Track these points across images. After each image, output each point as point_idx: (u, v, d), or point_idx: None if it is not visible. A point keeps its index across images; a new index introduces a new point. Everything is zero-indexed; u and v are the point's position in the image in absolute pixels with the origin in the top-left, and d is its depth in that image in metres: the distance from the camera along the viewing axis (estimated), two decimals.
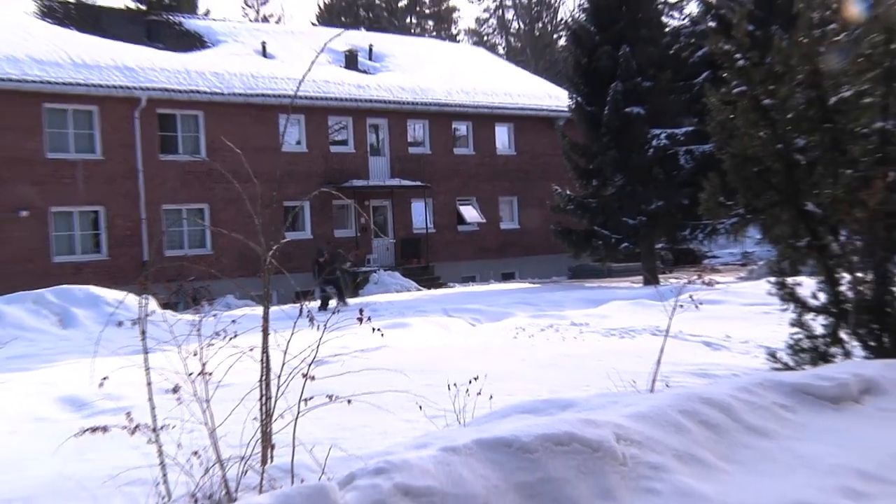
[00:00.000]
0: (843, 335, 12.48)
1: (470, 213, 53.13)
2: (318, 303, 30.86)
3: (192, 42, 49.61)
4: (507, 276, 50.15)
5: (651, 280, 41.88)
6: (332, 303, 29.52)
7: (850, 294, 12.50)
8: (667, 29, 45.87)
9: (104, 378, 6.88)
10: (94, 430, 6.19)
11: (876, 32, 12.99)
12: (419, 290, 42.41)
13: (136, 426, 6.03)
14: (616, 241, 43.17)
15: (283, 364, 6.53)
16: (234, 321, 7.21)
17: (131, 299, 7.35)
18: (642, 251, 43.44)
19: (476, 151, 54.41)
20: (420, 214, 51.81)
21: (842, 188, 12.29)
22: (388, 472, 5.87)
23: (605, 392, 9.66)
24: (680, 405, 8.12)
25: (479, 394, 8.63)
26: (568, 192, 44.42)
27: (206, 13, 76.15)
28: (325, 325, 6.78)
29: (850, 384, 9.65)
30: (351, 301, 30.08)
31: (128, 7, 66.00)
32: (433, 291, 40.72)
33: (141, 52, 45.13)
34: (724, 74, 13.79)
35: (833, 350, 12.39)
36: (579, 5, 48.92)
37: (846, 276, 12.54)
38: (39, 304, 24.59)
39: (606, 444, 6.86)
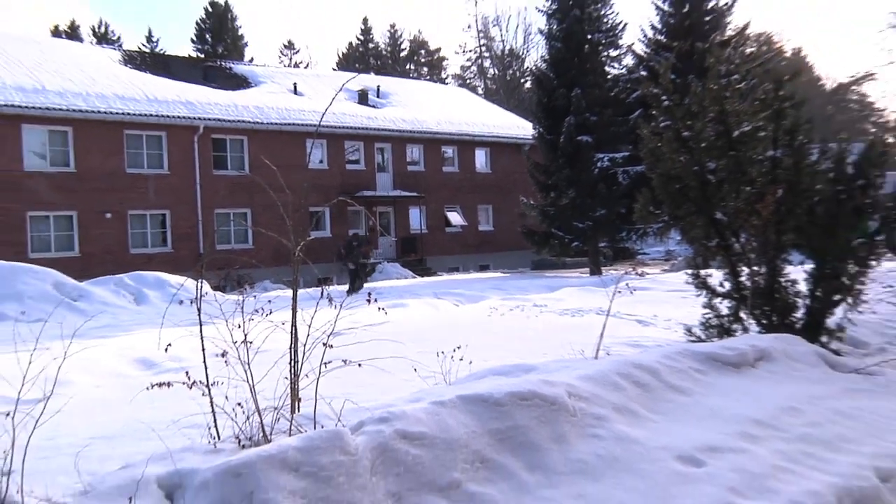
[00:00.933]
0: (742, 315, 12.59)
1: (455, 217, 53.40)
2: (334, 287, 30.85)
3: (238, 82, 49.67)
4: (484, 267, 50.23)
5: (596, 271, 42.14)
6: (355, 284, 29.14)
7: (748, 283, 12.60)
8: (609, 76, 45.88)
9: (168, 344, 6.92)
10: (160, 385, 6.21)
11: (768, 82, 13.11)
12: (415, 277, 42.55)
13: (193, 382, 6.05)
14: (569, 240, 43.47)
15: (308, 335, 6.56)
16: (269, 301, 7.25)
17: (189, 283, 7.44)
18: (589, 249, 43.68)
19: (460, 170, 54.57)
20: (416, 219, 52.03)
21: (742, 201, 12.45)
22: (390, 421, 5.91)
23: (560, 359, 9.70)
24: (618, 369, 8.19)
25: (461, 359, 8.66)
26: (532, 202, 44.66)
27: (251, 60, 76.20)
28: (340, 305, 6.82)
29: (748, 353, 9.76)
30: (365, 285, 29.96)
31: (189, 55, 66.32)
32: (426, 279, 40.70)
33: (199, 91, 45.30)
34: (653, 112, 13.91)
35: (735, 326, 12.49)
36: (541, 57, 48.98)
37: (745, 270, 12.63)
38: (119, 286, 24.59)
39: (560, 399, 6.91)
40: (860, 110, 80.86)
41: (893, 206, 13.31)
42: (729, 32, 47.05)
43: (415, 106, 55.32)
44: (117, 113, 40.17)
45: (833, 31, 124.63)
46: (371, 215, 48.47)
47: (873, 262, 12.76)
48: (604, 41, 46.25)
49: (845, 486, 6.93)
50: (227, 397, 6.11)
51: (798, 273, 12.67)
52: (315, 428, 5.85)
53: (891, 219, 13.29)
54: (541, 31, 50.61)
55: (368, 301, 7.25)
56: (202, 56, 70.59)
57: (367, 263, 28.04)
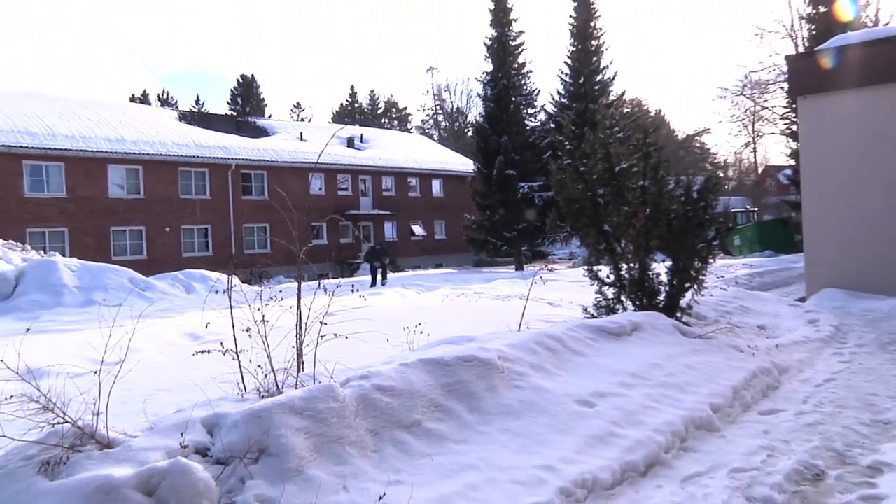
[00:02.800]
0: (623, 298, 12.60)
1: (417, 229, 53.40)
2: (328, 281, 30.57)
3: (260, 132, 49.37)
4: (438, 266, 50.00)
5: (519, 268, 42.29)
6: (378, 278, 29.10)
7: (626, 276, 12.62)
8: (528, 127, 46.02)
9: (208, 322, 6.86)
10: (203, 352, 6.14)
11: (638, 133, 13.20)
12: (390, 273, 42.38)
13: (226, 350, 6.00)
14: (500, 245, 43.61)
15: (309, 315, 6.53)
16: (280, 291, 7.23)
17: (225, 278, 7.36)
18: (514, 251, 43.76)
19: (421, 195, 54.56)
20: (389, 230, 51.88)
21: (622, 217, 12.47)
22: (369, 378, 5.90)
23: (494, 331, 9.68)
24: (534, 338, 8.19)
25: (421, 333, 8.63)
26: (473, 218, 44.83)
27: (269, 116, 75.74)
28: (332, 293, 6.80)
29: (626, 325, 9.79)
30: (347, 280, 29.78)
31: (226, 113, 65.71)
32: (398, 274, 40.53)
33: (232, 139, 44.99)
34: (559, 153, 13.96)
35: (617, 307, 12.50)
36: (479, 113, 49.25)
37: (624, 266, 12.66)
38: (175, 280, 24.45)
39: (493, 361, 6.92)
40: (701, 154, 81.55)
41: (724, 221, 13.50)
42: (612, 97, 47.37)
43: (388, 149, 55.30)
44: (174, 155, 40.20)
45: (683, 97, 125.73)
46: (356, 228, 49.23)
47: (711, 260, 12.92)
48: (524, 102, 46.37)
49: (690, 417, 7.03)
50: (250, 361, 6.08)
51: (661, 268, 12.75)
52: (314, 383, 5.82)
53: (723, 229, 13.47)
54: (479, 95, 50.80)
55: (352, 291, 7.26)
56: (234, 113, 70.08)
57: (386, 264, 27.93)
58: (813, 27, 43.05)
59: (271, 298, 6.57)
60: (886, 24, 43.69)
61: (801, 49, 42.70)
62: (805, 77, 19.00)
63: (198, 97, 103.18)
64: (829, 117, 18.05)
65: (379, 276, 29.48)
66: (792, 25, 46.30)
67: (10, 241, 23.76)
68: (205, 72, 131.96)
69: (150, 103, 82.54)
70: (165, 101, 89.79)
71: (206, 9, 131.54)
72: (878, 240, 17.31)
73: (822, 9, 42.18)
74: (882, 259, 17.12)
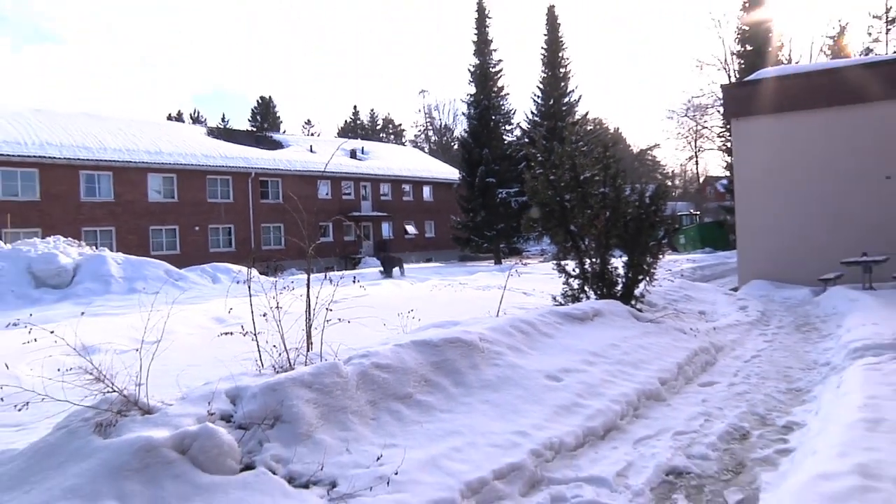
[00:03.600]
0: (586, 288, 12.59)
1: (410, 229, 53.15)
2: (333, 273, 30.54)
3: (275, 145, 49.09)
4: (428, 260, 49.79)
5: (498, 262, 42.18)
6: (395, 271, 28.68)
7: (589, 269, 12.61)
8: (505, 142, 45.92)
9: (231, 308, 6.86)
10: (227, 333, 6.12)
11: (600, 146, 13.18)
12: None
13: (247, 332, 5.98)
14: (481, 243, 43.51)
15: (317, 302, 6.50)
16: (292, 282, 7.19)
17: (245, 270, 7.33)
18: (494, 248, 43.68)
19: (413, 199, 54.34)
20: (386, 230, 51.63)
21: (586, 219, 12.45)
22: (368, 356, 5.88)
23: (476, 317, 9.68)
24: (510, 323, 8.18)
25: (413, 318, 8.63)
26: (458, 220, 44.73)
27: (284, 131, 75.13)
28: (337, 283, 6.79)
29: (589, 311, 9.78)
30: (348, 272, 29.56)
31: (247, 129, 65.36)
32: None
33: (252, 151, 44.69)
34: (532, 164, 13.91)
35: (581, 296, 12.49)
36: (464, 129, 48.91)
37: (588, 261, 12.66)
38: (203, 272, 24.27)
39: (475, 342, 6.91)
40: (652, 166, 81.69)
41: (671, 223, 13.52)
42: (577, 116, 47.37)
43: (386, 159, 55.00)
44: (203, 165, 39.99)
45: (637, 117, 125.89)
46: (358, 228, 48.87)
47: (661, 256, 12.95)
48: (502, 120, 46.26)
49: (642, 389, 7.04)
50: (266, 341, 6.06)
51: (618, 263, 12.76)
52: (321, 361, 5.81)
53: (670, 229, 13.48)
54: (464, 114, 50.55)
55: (354, 281, 7.24)
56: (254, 129, 69.70)
57: (400, 269, 27.92)
58: (742, 61, 43.92)
59: (284, 288, 6.55)
60: (797, 62, 44.86)
61: (732, 79, 43.14)
62: (736, 102, 19.17)
63: (223, 115, 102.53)
64: (756, 136, 18.21)
65: (396, 271, 29.27)
66: (725, 59, 46.85)
67: (69, 239, 23.68)
68: (230, 93, 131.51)
69: (183, 121, 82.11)
70: (196, 119, 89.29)
71: (231, 38, 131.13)
72: (795, 239, 17.51)
73: (748, 47, 43.18)
74: (798, 255, 17.34)
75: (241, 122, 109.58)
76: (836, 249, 16.33)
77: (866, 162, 16.89)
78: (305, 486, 4.29)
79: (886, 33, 53.12)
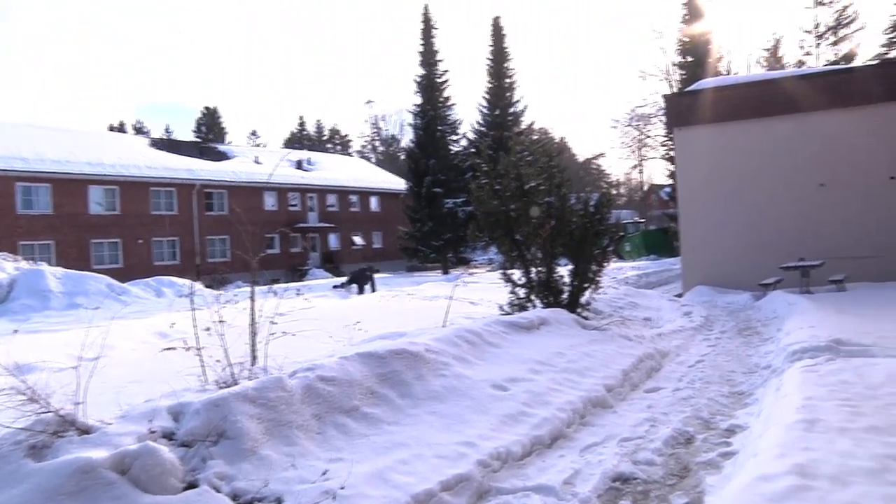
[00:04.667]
0: (532, 297, 12.62)
1: (357, 239, 52.99)
2: (280, 285, 30.08)
3: (220, 156, 48.48)
4: (377, 271, 49.53)
5: (445, 272, 42.17)
6: (358, 288, 26.45)
7: (535, 278, 12.66)
8: (452, 152, 46.03)
9: (173, 323, 6.71)
10: (169, 349, 6.01)
11: (545, 156, 13.30)
12: (334, 278, 41.88)
13: (189, 347, 5.88)
14: (429, 253, 43.44)
15: (261, 315, 6.42)
16: (235, 294, 7.10)
17: (190, 283, 7.20)
18: (441, 258, 43.66)
19: (361, 210, 54.19)
20: (333, 241, 51.37)
21: (531, 228, 12.52)
22: (313, 370, 5.81)
23: (422, 327, 9.66)
24: (456, 333, 8.17)
25: (360, 329, 8.59)
26: (405, 230, 44.56)
27: (229, 142, 74.14)
28: (281, 296, 6.71)
29: (535, 320, 9.83)
30: (294, 284, 28.55)
31: (191, 140, 64.36)
32: (341, 278, 40.09)
33: (197, 162, 44.13)
34: (478, 174, 13.93)
35: (528, 304, 12.51)
36: (410, 140, 49.01)
37: (534, 270, 12.71)
38: (147, 286, 23.84)
39: (421, 353, 6.88)
40: (597, 174, 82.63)
41: (616, 231, 13.66)
42: (522, 126, 47.84)
43: (332, 170, 54.76)
44: (146, 177, 39.41)
45: (581, 126, 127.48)
46: (305, 239, 48.52)
47: (606, 264, 13.09)
48: (448, 131, 46.37)
49: (588, 396, 7.09)
50: (211, 356, 5.96)
51: (564, 271, 12.86)
52: (266, 375, 5.73)
53: (615, 237, 13.62)
54: (410, 124, 50.46)
55: (297, 294, 7.17)
56: (199, 140, 68.70)
57: (371, 277, 26.61)
58: (683, 72, 44.90)
59: (228, 301, 6.46)
60: (736, 73, 46.25)
61: (674, 89, 44.02)
62: (678, 112, 19.56)
63: (167, 126, 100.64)
64: (698, 145, 18.61)
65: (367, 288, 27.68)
66: (667, 70, 47.78)
67: (4, 253, 23.09)
68: (174, 103, 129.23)
69: (126, 132, 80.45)
70: (140, 130, 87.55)
71: (175, 49, 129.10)
72: (737, 245, 17.92)
73: (689, 58, 44.23)
74: (740, 261, 17.75)
75: (186, 133, 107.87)
76: (775, 255, 16.74)
77: (802, 170, 17.40)
78: (250, 503, 4.23)
79: (817, 47, 54.99)
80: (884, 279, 15.73)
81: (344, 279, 27.28)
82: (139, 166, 39.80)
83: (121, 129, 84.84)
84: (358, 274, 26.94)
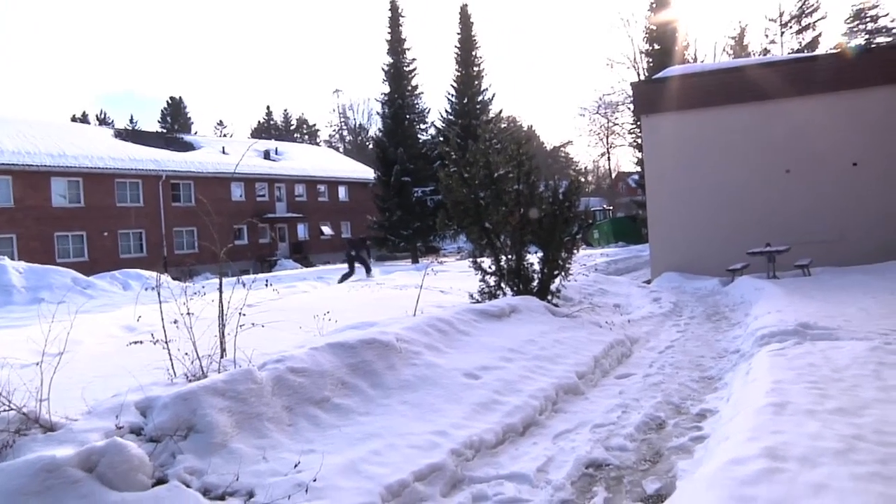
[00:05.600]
0: (502, 285, 12.64)
1: (326, 230, 52.64)
2: (250, 276, 29.67)
3: (187, 147, 47.95)
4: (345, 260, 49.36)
5: (415, 261, 42.09)
6: (362, 275, 24.04)
7: (505, 266, 12.68)
8: (420, 140, 45.96)
9: (139, 316, 6.60)
10: (136, 342, 5.92)
11: (513, 144, 13.27)
12: (302, 268, 41.72)
13: (157, 340, 5.79)
14: (398, 242, 43.35)
15: (229, 307, 6.34)
16: (202, 286, 6.99)
17: (157, 276, 7.08)
18: (411, 247, 43.59)
19: (329, 199, 53.84)
20: (302, 231, 51.07)
21: (501, 216, 12.50)
22: (283, 361, 5.75)
23: (393, 317, 9.60)
24: (427, 322, 8.14)
25: (330, 320, 8.51)
26: (374, 219, 44.43)
27: (195, 133, 73.28)
28: (250, 286, 6.63)
29: (505, 308, 9.83)
30: (265, 275, 26.74)
31: (157, 130, 63.47)
32: (309, 269, 39.88)
33: (163, 153, 43.61)
34: (447, 162, 13.88)
35: (498, 292, 12.52)
36: (378, 129, 48.89)
37: (504, 258, 12.72)
38: (113, 279, 23.49)
39: (392, 342, 6.84)
40: (565, 162, 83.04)
41: (585, 218, 13.73)
42: (491, 115, 47.83)
43: (300, 160, 54.38)
44: (111, 169, 38.83)
45: (550, 115, 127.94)
46: (273, 230, 48.24)
47: (575, 251, 13.15)
48: (417, 119, 46.29)
49: (559, 383, 7.11)
50: (179, 349, 5.86)
51: (534, 259, 12.88)
52: (235, 368, 5.65)
53: (584, 225, 13.69)
54: (378, 113, 50.40)
55: (266, 284, 7.08)
56: (165, 131, 67.77)
57: (364, 256, 24.62)
58: (650, 60, 45.20)
59: (195, 293, 6.36)
60: (702, 61, 46.77)
61: (641, 77, 44.33)
62: (645, 100, 19.65)
63: (132, 117, 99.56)
64: (665, 133, 18.72)
65: (356, 269, 25.17)
66: (634, 58, 48.14)
67: None
68: (138, 94, 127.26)
69: (88, 122, 79.27)
70: (103, 121, 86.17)
71: (140, 37, 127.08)
72: (704, 231, 18.10)
73: (656, 46, 44.52)
74: (707, 247, 17.93)
75: (151, 124, 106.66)
76: (742, 241, 16.94)
77: (768, 156, 17.59)
78: (221, 497, 4.16)
79: (781, 35, 55.87)
80: (847, 263, 15.98)
81: (344, 270, 24.96)
82: (103, 157, 39.20)
83: (83, 119, 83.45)
84: (357, 244, 25.45)
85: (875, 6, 55.76)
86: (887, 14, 55.31)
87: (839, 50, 23.29)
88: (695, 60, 46.95)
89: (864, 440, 4.25)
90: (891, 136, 16.53)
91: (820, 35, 55.26)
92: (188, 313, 5.96)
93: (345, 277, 23.43)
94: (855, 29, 56.10)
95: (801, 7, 55.27)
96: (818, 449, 4.09)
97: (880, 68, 16.94)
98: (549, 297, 12.50)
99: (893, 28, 54.71)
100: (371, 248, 25.37)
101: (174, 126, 78.66)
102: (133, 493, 3.93)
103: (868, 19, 55.90)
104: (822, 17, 57.81)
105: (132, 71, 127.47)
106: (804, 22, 55.34)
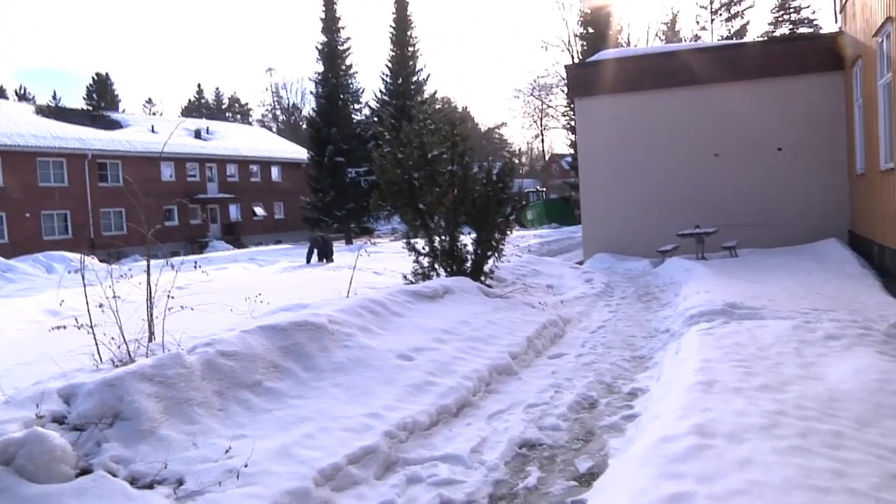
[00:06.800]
0: (436, 266, 12.66)
1: (259, 210, 51.83)
2: (181, 258, 29.07)
3: (114, 125, 46.49)
4: (278, 242, 48.44)
5: (349, 242, 41.91)
6: (323, 260, 24.58)
7: (439, 247, 12.68)
8: (354, 121, 45.71)
9: (62, 300, 6.39)
10: (59, 327, 5.73)
11: (448, 125, 13.24)
12: (234, 250, 41.04)
13: (82, 325, 5.62)
14: (332, 223, 42.98)
15: (158, 290, 6.18)
16: (129, 269, 6.81)
17: (82, 258, 6.85)
18: (345, 228, 43.35)
19: (262, 180, 52.90)
20: (234, 212, 50.11)
21: (435, 197, 12.47)
22: (213, 344, 5.63)
23: (326, 298, 9.50)
24: (360, 303, 8.08)
25: (262, 302, 8.37)
26: (308, 200, 44.03)
27: (123, 110, 71.18)
28: (178, 268, 6.46)
29: (439, 289, 9.82)
30: (195, 257, 26.94)
31: (82, 108, 61.22)
32: (241, 250, 39.25)
33: (88, 131, 42.18)
34: (380, 143, 13.80)
35: (432, 273, 12.54)
36: (312, 108, 48.14)
37: (437, 238, 12.71)
38: (36, 261, 22.86)
39: (324, 324, 6.76)
40: (500, 144, 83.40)
41: (518, 199, 13.80)
42: (425, 95, 47.74)
43: (232, 139, 53.31)
44: (32, 146, 37.32)
45: (484, 96, 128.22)
46: (204, 211, 47.21)
47: (509, 232, 13.23)
48: (351, 99, 46.04)
49: (493, 364, 7.16)
50: (105, 333, 5.70)
51: (467, 240, 12.91)
52: (163, 352, 5.51)
53: (518, 206, 13.75)
54: (312, 93, 49.87)
55: (196, 267, 6.93)
56: (91, 108, 65.49)
57: (330, 246, 24.90)
58: (584, 43, 45.58)
59: (122, 276, 6.18)
60: (635, 45, 47.56)
61: (575, 60, 44.69)
62: (579, 83, 19.81)
63: (55, 93, 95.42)
64: (598, 115, 18.92)
65: (315, 258, 25.57)
66: (569, 41, 48.49)
67: None
68: (61, 69, 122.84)
69: (7, 97, 76.11)
70: (23, 97, 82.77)
71: (61, 9, 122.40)
72: (635, 213, 18.40)
73: (590, 30, 44.95)
74: (638, 229, 18.25)
75: (76, 101, 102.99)
76: (672, 222, 17.28)
77: (698, 140, 17.95)
78: (150, 486, 4.06)
79: (711, 22, 57.25)
80: (772, 245, 16.47)
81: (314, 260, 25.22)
82: (24, 135, 37.69)
83: (0, 94, 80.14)
84: (320, 242, 25.61)
85: None
86: (808, 6, 57.34)
87: (766, 38, 23.88)
88: (628, 45, 47.62)
89: (786, 415, 4.40)
90: (814, 124, 17.04)
91: (748, 23, 57.01)
92: (115, 297, 5.79)
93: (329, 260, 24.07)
94: (780, 19, 57.85)
95: None
96: (744, 425, 4.21)
97: (804, 57, 17.42)
98: (483, 279, 12.56)
99: (815, 20, 56.71)
100: (330, 245, 25.71)
101: (100, 103, 75.90)
102: (55, 485, 3.79)
103: (792, 10, 57.71)
104: (751, 6, 59.63)
105: (55, 45, 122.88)
106: (733, 10, 56.87)
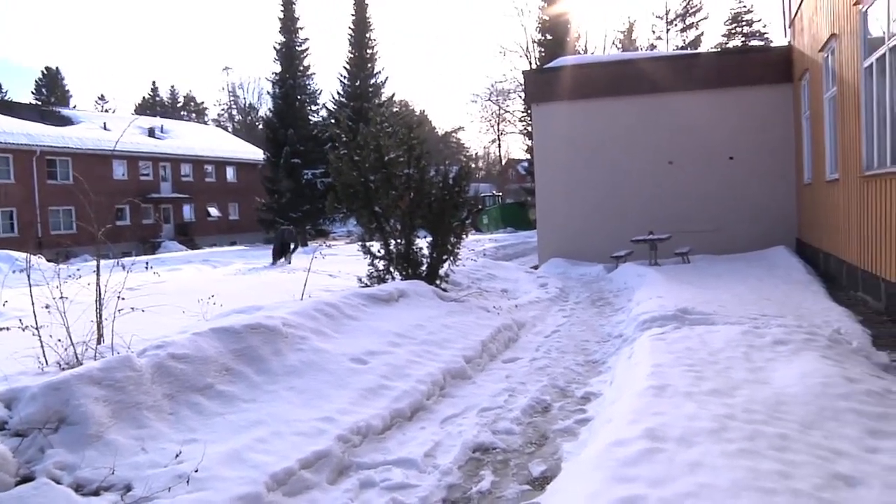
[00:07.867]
0: (391, 269, 12.60)
1: (213, 211, 51.29)
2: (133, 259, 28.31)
3: (65, 121, 45.65)
4: (233, 243, 47.90)
5: (304, 244, 41.43)
6: (282, 260, 24.44)
7: (394, 250, 12.63)
8: (311, 122, 45.45)
9: (6, 301, 6.22)
10: (3, 329, 5.57)
11: (405, 128, 13.22)
12: (187, 251, 40.44)
13: (26, 327, 5.47)
14: (287, 224, 42.62)
15: (107, 290, 6.04)
16: (78, 269, 6.65)
17: (28, 257, 6.67)
18: (300, 230, 42.98)
19: (216, 180, 52.34)
20: (188, 212, 49.52)
21: (391, 200, 12.43)
22: (164, 347, 5.53)
23: (280, 301, 9.43)
24: (314, 306, 8.02)
25: (215, 304, 8.27)
26: (263, 201, 43.62)
27: (74, 106, 69.82)
28: (129, 269, 6.34)
29: (394, 293, 9.80)
30: (147, 257, 26.30)
31: (31, 102, 59.94)
32: (196, 251, 38.71)
33: (38, 127, 41.29)
34: (337, 144, 13.70)
35: (387, 277, 12.48)
36: (269, 109, 47.92)
37: (393, 242, 12.67)
38: None
39: (278, 327, 6.69)
40: (457, 148, 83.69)
41: (475, 203, 13.85)
42: (383, 98, 47.68)
43: (187, 138, 52.67)
44: None
45: (442, 100, 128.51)
46: (157, 210, 46.63)
47: (464, 236, 13.23)
48: (308, 100, 45.78)
49: (447, 368, 7.15)
50: (51, 335, 5.56)
51: (423, 243, 12.89)
52: (113, 354, 5.40)
53: (473, 210, 13.78)
54: (269, 93, 49.50)
55: (147, 268, 6.80)
56: (39, 103, 64.17)
57: (294, 245, 24.45)
58: (542, 50, 45.93)
59: (70, 276, 6.04)
60: (593, 52, 48.19)
61: (533, 66, 45.00)
62: (537, 88, 19.94)
63: (1, 86, 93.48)
64: (555, 121, 19.05)
65: (283, 258, 25.29)
66: (527, 47, 48.83)
67: None
68: (8, 62, 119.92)
69: None
70: None
71: (9, 0, 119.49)
72: (589, 219, 18.58)
73: (548, 36, 45.35)
74: (593, 234, 18.42)
75: (24, 95, 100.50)
76: (626, 228, 17.47)
77: (653, 148, 18.19)
78: (96, 492, 3.96)
79: (667, 32, 58.32)
80: (722, 251, 16.75)
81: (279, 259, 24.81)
82: None
83: None
84: (286, 236, 25.21)
85: (749, 11, 59.17)
86: (760, 20, 58.91)
87: (721, 49, 24.33)
88: (586, 52, 48.11)
89: (735, 419, 4.46)
90: (765, 134, 17.38)
91: (702, 34, 58.34)
92: (62, 297, 5.66)
93: (288, 260, 24.00)
94: (733, 31, 59.22)
95: (685, 6, 57.77)
96: (694, 429, 4.27)
97: (757, 69, 17.77)
98: (438, 282, 12.54)
99: (766, 33, 58.16)
100: (295, 241, 25.30)
101: (50, 99, 74.57)
102: None
103: (744, 23, 59.13)
104: (705, 18, 61.28)
105: (1, 35, 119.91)
106: (688, 21, 58.04)
